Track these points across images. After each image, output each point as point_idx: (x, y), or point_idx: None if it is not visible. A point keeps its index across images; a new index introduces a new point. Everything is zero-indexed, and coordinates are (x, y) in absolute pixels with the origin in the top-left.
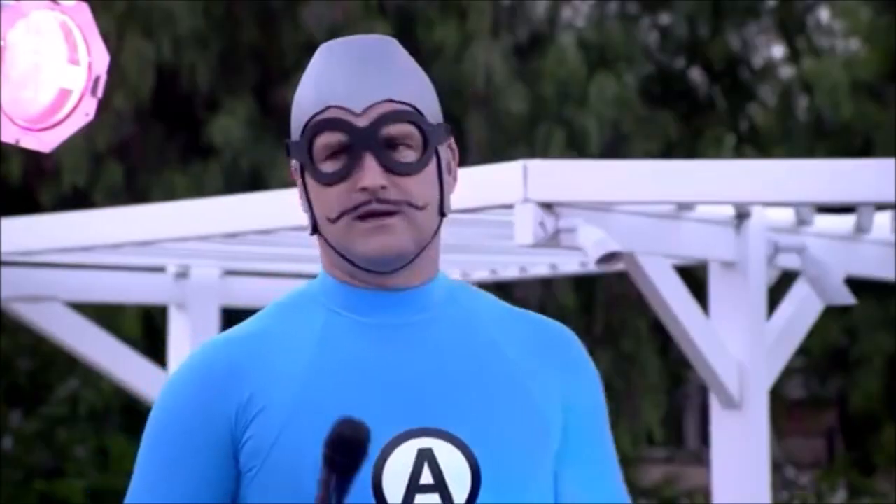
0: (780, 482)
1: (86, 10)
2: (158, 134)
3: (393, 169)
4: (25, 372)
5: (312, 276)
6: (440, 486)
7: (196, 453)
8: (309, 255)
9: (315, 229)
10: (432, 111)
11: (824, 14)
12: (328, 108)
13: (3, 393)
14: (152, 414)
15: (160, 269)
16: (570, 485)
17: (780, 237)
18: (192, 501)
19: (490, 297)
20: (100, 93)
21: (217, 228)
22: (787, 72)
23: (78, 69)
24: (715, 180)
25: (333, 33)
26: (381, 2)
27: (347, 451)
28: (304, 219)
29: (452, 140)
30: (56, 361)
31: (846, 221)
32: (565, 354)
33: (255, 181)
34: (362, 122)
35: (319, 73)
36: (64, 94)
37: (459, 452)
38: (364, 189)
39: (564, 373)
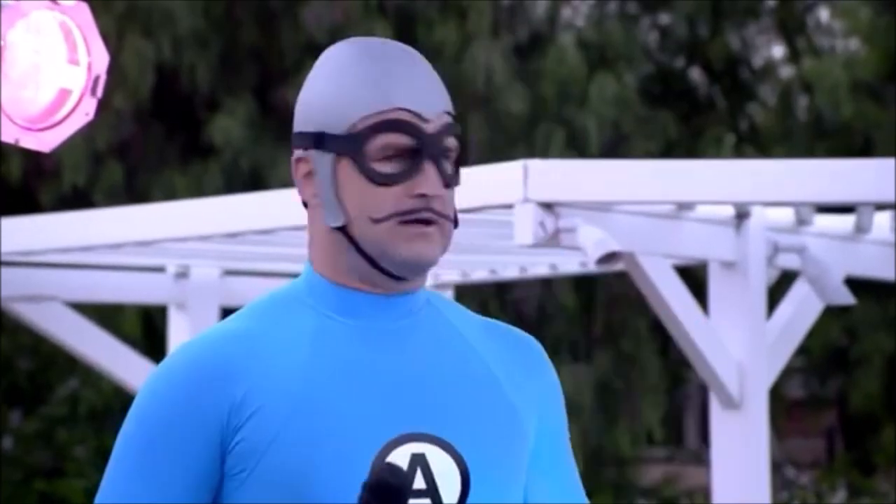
0: (780, 482)
1: (86, 10)
2: (158, 134)
3: (448, 181)
4: (25, 372)
5: None
6: (432, 491)
7: (179, 453)
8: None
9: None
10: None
11: (824, 14)
12: (396, 108)
13: (3, 393)
14: (135, 407)
15: (160, 269)
16: (541, 488)
17: (780, 237)
18: (168, 502)
19: (459, 306)
20: (100, 93)
21: (217, 228)
22: (787, 72)
23: (78, 69)
24: (715, 180)
25: (333, 33)
26: (381, 2)
27: (388, 498)
28: (303, 219)
29: None
30: (56, 361)
31: (846, 221)
32: (533, 362)
33: (255, 181)
34: (431, 129)
35: (368, 69)
36: (64, 94)
37: (450, 458)
38: (422, 196)
39: (534, 380)
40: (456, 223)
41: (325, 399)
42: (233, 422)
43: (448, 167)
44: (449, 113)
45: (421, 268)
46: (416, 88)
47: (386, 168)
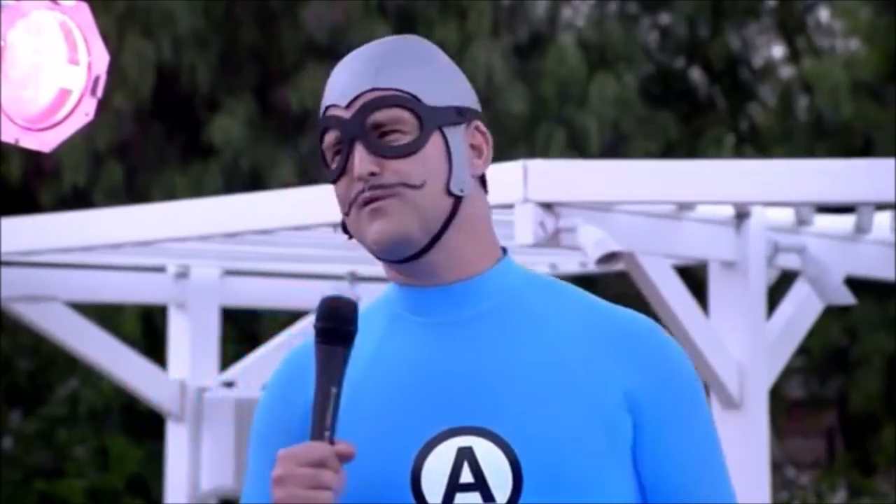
0: (780, 482)
1: (86, 10)
2: (158, 134)
3: (383, 153)
4: (25, 372)
5: (312, 277)
6: (481, 485)
7: (274, 448)
8: (309, 254)
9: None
10: (439, 95)
11: (824, 14)
12: (326, 108)
13: (3, 393)
14: None
15: (160, 269)
16: (650, 483)
17: (780, 237)
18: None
19: (565, 290)
20: (100, 93)
21: (217, 228)
22: (787, 72)
23: (78, 69)
24: (715, 180)
25: (333, 33)
26: (382, 2)
27: (335, 317)
28: (303, 218)
29: (480, 124)
30: (56, 361)
31: (846, 221)
32: (636, 350)
33: (254, 181)
34: (347, 115)
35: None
36: (64, 94)
37: (500, 451)
38: (359, 178)
39: (633, 369)
40: (450, 192)
41: (373, 403)
42: (306, 421)
43: (387, 140)
44: (380, 88)
45: (392, 245)
46: (341, 80)
47: (333, 165)
